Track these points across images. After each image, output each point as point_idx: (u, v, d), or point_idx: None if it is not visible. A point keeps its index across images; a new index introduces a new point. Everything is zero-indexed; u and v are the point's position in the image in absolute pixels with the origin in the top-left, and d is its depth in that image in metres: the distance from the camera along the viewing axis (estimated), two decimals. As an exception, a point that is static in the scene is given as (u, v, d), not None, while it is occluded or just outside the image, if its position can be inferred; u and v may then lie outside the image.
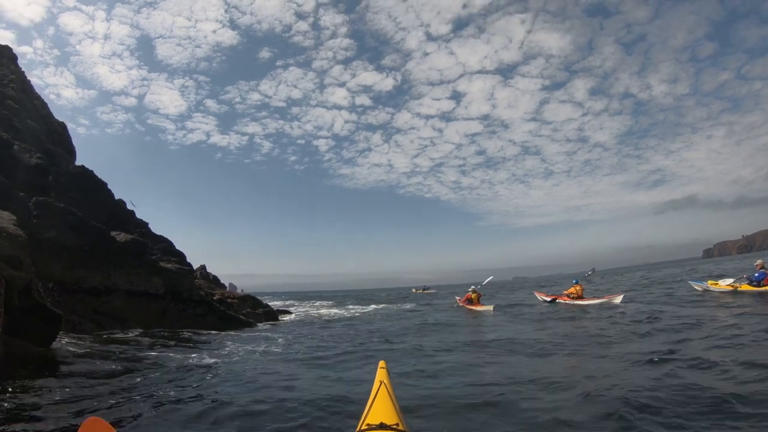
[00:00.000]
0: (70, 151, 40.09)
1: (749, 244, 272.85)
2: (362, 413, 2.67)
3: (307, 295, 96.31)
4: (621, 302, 16.41)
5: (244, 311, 15.62)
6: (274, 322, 16.46)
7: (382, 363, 3.29)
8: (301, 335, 14.59)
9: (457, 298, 25.22)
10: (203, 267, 46.54)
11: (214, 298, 14.88)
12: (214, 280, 46.82)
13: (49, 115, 35.60)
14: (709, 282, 19.83)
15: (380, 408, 2.65)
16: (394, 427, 2.42)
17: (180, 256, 42.74)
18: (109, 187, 36.95)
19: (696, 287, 20.27)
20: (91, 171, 34.75)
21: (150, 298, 14.87)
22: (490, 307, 19.45)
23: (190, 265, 43.72)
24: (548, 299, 20.11)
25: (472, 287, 22.11)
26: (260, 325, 16.87)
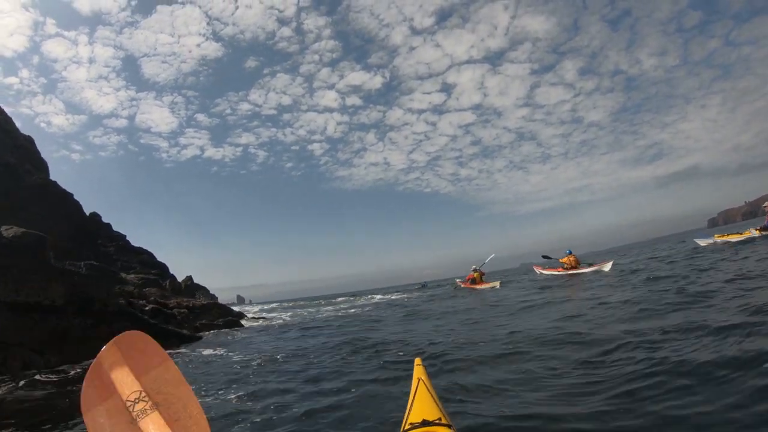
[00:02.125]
0: (39, 166, 38.78)
1: (753, 210, 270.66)
2: (404, 414, 2.60)
3: (311, 301, 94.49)
4: (610, 269, 16.59)
5: (198, 322, 12.85)
6: (233, 330, 13.47)
7: (418, 360, 3.16)
8: (233, 354, 9.61)
9: (458, 280, 24.61)
10: (189, 278, 45.11)
11: (170, 308, 12.72)
12: (194, 291, 45.35)
13: (15, 130, 34.31)
14: (716, 236, 19.17)
15: (421, 405, 2.62)
16: (437, 422, 2.39)
17: (161, 268, 41.37)
18: (75, 197, 35.81)
19: (701, 243, 19.51)
20: (55, 182, 33.33)
21: (45, 312, 9.69)
22: (497, 283, 19.17)
23: (173, 276, 42.52)
24: (547, 272, 20.26)
25: (474, 267, 21.57)
26: (208, 335, 13.52)
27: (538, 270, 21.91)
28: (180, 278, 41.45)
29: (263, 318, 17.80)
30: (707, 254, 15.30)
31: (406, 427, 2.43)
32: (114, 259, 38.32)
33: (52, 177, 34.49)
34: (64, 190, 34.66)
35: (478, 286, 20.09)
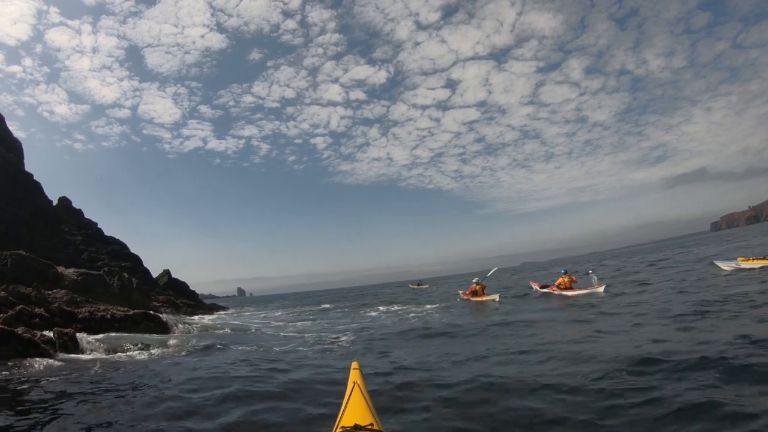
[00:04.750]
0: (9, 146, 35.93)
1: (757, 215, 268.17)
2: (336, 416, 2.59)
3: (307, 296, 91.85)
4: (603, 292, 16.48)
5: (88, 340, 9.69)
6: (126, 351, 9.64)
7: (355, 364, 3.16)
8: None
9: (461, 291, 25.27)
10: (167, 272, 42.25)
11: (80, 315, 9.61)
12: (179, 287, 42.22)
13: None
14: (739, 259, 17.58)
15: (354, 409, 2.60)
16: (369, 427, 2.42)
17: (133, 260, 38.51)
18: (36, 179, 32.69)
19: (723, 267, 17.99)
20: (15, 163, 30.55)
21: None
22: (496, 296, 19.76)
23: (145, 270, 39.53)
24: (540, 289, 21.02)
25: (476, 279, 22.59)
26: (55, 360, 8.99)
27: (534, 285, 22.67)
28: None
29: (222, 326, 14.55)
30: (735, 285, 12.45)
31: (338, 430, 2.44)
32: (80, 249, 35.55)
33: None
34: (25, 172, 31.73)
35: (479, 298, 20.85)
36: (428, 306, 20.75)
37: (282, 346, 10.45)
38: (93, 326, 9.33)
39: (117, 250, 34.42)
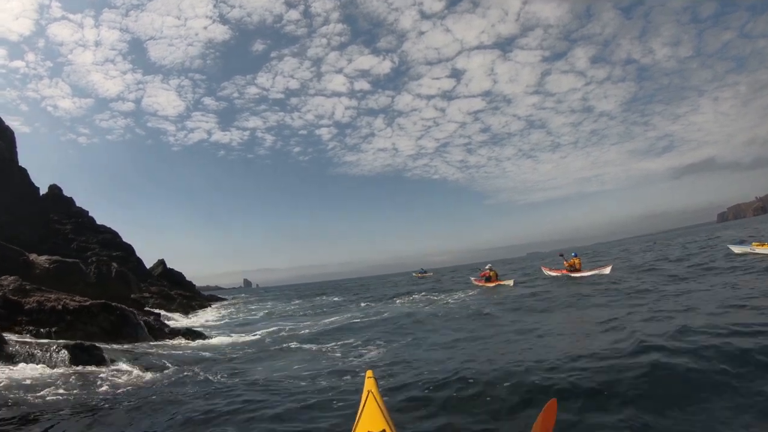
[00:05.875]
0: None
1: (765, 205, 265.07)
2: (351, 426, 2.58)
3: (308, 287, 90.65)
4: (609, 272, 17.50)
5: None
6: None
7: (369, 373, 3.13)
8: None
9: (472, 278, 25.18)
10: (161, 262, 41.11)
11: (27, 306, 8.24)
12: (174, 278, 40.87)
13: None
14: (754, 244, 17.71)
15: (369, 418, 2.62)
16: None
17: (125, 250, 37.34)
18: (22, 164, 31.40)
19: (735, 250, 18.39)
20: (2, 150, 29.32)
21: None
22: (510, 281, 19.78)
23: (138, 260, 38.35)
24: (552, 273, 21.71)
25: (489, 265, 22.56)
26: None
27: (545, 270, 23.22)
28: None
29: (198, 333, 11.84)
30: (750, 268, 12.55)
31: None
32: (70, 239, 34.45)
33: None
34: (11, 157, 30.55)
35: (492, 283, 20.65)
36: (459, 294, 18.77)
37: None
38: (41, 319, 8.01)
39: (108, 239, 33.21)
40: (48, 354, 6.17)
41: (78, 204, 38.14)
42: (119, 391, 5.74)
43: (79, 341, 6.44)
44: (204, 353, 9.00)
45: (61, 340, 6.72)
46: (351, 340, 9.44)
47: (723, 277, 12.19)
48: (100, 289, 13.77)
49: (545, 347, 6.64)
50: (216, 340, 11.29)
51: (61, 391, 5.47)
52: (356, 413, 2.72)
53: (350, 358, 7.84)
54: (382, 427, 2.48)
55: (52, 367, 6.05)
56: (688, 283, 11.84)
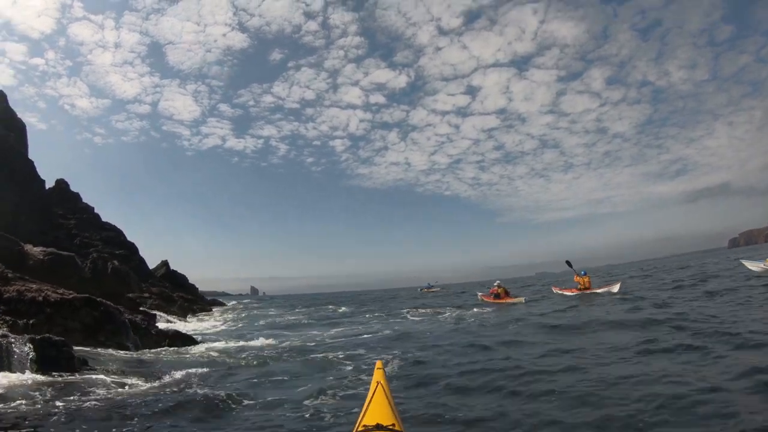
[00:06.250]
0: (9, 124, 34.51)
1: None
2: (359, 414, 2.60)
3: (315, 297, 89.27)
4: (618, 290, 17.80)
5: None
6: None
7: (378, 363, 3.10)
8: None
9: (480, 294, 24.37)
10: (165, 263, 40.40)
11: (6, 295, 7.40)
12: (177, 280, 40.04)
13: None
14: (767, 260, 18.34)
15: (377, 409, 2.60)
16: (390, 427, 2.44)
17: (129, 248, 36.70)
18: (31, 158, 31.04)
19: (750, 267, 19.12)
20: (12, 143, 28.99)
21: None
22: (522, 299, 19.54)
23: (141, 259, 37.63)
24: (563, 292, 21.73)
25: (498, 282, 22.27)
26: None
27: (555, 290, 23.48)
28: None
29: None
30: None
31: (360, 428, 2.46)
32: (73, 234, 33.85)
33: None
34: (19, 150, 30.16)
35: (504, 300, 20.29)
36: (474, 309, 17.70)
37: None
38: (20, 310, 7.19)
39: (112, 237, 32.65)
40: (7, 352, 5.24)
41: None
42: (85, 405, 4.75)
43: (47, 335, 5.54)
44: (189, 359, 8.04)
45: (26, 334, 5.81)
46: (352, 352, 8.49)
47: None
48: (95, 285, 12.96)
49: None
50: (204, 346, 10.28)
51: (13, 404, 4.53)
52: (363, 404, 2.66)
53: (350, 371, 6.94)
54: (392, 420, 2.45)
55: (13, 371, 5.14)
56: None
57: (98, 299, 8.23)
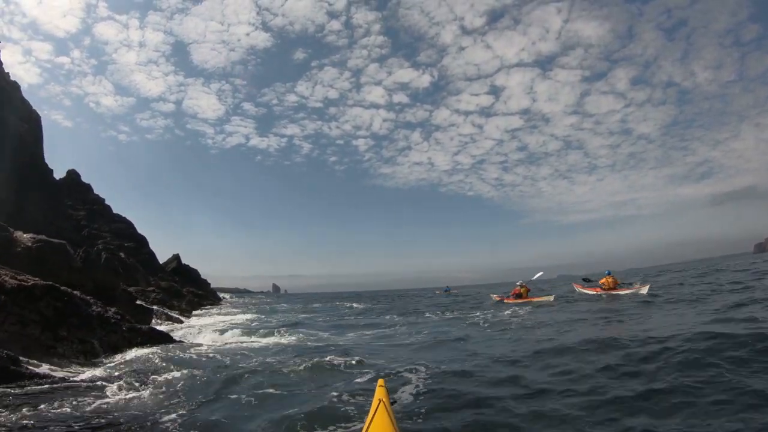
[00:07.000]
0: (23, 115, 34.39)
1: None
2: None
3: (339, 296, 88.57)
4: (647, 293, 16.95)
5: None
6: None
7: (380, 381, 3.11)
8: None
9: (494, 295, 23.71)
10: (176, 257, 39.89)
11: None
12: (188, 275, 39.37)
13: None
14: None
15: (378, 427, 2.52)
16: None
17: (139, 241, 36.25)
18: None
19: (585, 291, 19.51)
20: (23, 132, 28.69)
21: None
22: (551, 297, 19.33)
23: (150, 253, 37.12)
24: (586, 291, 21.42)
25: (520, 281, 22.05)
26: None
27: (577, 288, 22.91)
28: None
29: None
30: None
31: None
32: (82, 225, 33.53)
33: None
34: (30, 139, 29.80)
35: (523, 300, 20.01)
36: (507, 311, 16.00)
37: None
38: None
39: (122, 229, 32.24)
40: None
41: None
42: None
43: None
44: (162, 364, 6.84)
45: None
46: (367, 360, 7.28)
47: None
48: (86, 276, 12.08)
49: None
50: (179, 347, 8.83)
51: None
52: (364, 422, 2.57)
53: (357, 382, 5.79)
54: None
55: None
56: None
57: (63, 288, 7.22)
